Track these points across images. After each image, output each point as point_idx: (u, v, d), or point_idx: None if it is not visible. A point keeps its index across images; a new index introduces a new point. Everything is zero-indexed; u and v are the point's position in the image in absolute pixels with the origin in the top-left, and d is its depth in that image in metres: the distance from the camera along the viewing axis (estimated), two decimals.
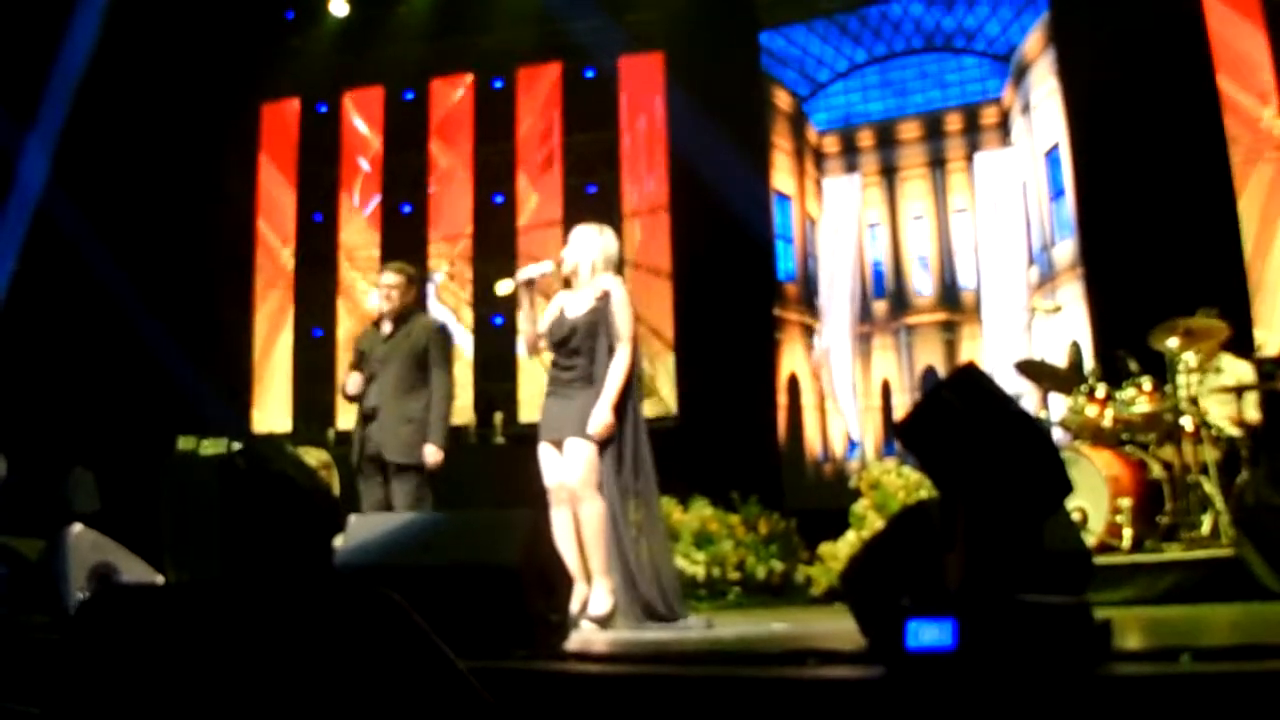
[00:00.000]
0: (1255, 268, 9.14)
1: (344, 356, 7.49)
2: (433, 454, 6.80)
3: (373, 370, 6.88)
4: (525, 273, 6.02)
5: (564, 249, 6.08)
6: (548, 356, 6.10)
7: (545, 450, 5.89)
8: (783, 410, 11.47)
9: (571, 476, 5.72)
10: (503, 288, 6.12)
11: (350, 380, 6.91)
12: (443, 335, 7.22)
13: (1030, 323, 8.97)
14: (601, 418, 5.71)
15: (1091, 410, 7.62)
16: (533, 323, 6.02)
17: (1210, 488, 6.94)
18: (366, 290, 7.22)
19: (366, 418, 6.86)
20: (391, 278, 7.05)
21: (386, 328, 6.99)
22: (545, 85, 12.82)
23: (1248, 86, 9.41)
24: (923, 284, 11.15)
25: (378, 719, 2.44)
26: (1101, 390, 7.64)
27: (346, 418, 11.26)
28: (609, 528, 5.65)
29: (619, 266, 6.23)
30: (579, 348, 5.87)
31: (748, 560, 8.84)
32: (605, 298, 5.91)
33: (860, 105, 11.64)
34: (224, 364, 12.79)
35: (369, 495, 6.84)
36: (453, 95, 13.06)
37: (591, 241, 6.07)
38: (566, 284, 6.06)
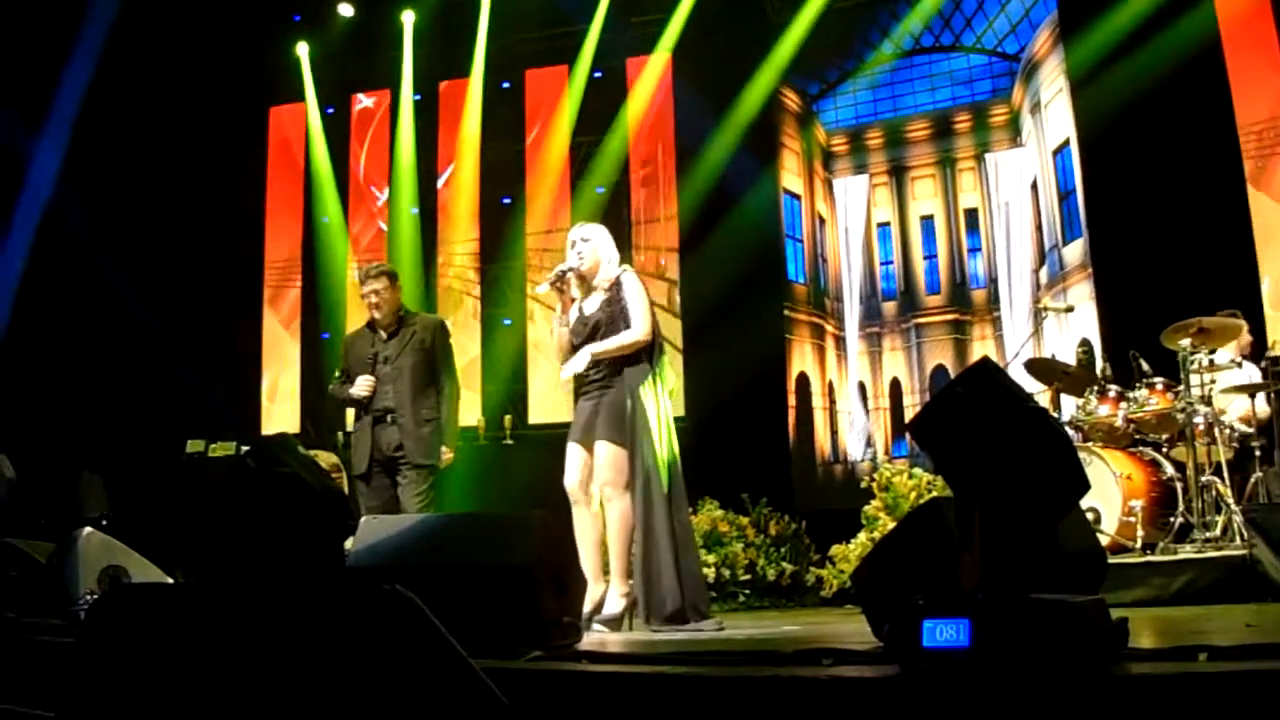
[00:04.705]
0: (1267, 264, 9.09)
1: None
2: (446, 454, 6.82)
3: (381, 372, 6.85)
4: (556, 270, 5.99)
5: (578, 246, 5.99)
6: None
7: (572, 450, 5.87)
8: (793, 411, 11.45)
9: (599, 477, 5.70)
10: (541, 288, 6.10)
11: (361, 383, 6.80)
12: (446, 333, 7.20)
13: (1041, 322, 8.94)
14: (580, 359, 5.76)
15: (1104, 410, 7.62)
16: (566, 325, 5.97)
17: (1223, 487, 6.93)
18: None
19: (377, 420, 6.82)
20: (375, 283, 6.96)
21: (384, 330, 6.98)
22: (553, 87, 12.80)
23: (1260, 81, 9.35)
24: (932, 283, 11.12)
25: (392, 718, 2.42)
26: (1113, 390, 7.63)
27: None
28: (639, 528, 5.61)
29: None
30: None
31: (758, 562, 8.83)
32: (616, 286, 5.89)
33: (869, 104, 11.61)
34: (233, 367, 12.79)
35: (373, 498, 6.75)
36: (460, 97, 13.04)
37: (604, 238, 6.05)
38: (582, 281, 5.99)
